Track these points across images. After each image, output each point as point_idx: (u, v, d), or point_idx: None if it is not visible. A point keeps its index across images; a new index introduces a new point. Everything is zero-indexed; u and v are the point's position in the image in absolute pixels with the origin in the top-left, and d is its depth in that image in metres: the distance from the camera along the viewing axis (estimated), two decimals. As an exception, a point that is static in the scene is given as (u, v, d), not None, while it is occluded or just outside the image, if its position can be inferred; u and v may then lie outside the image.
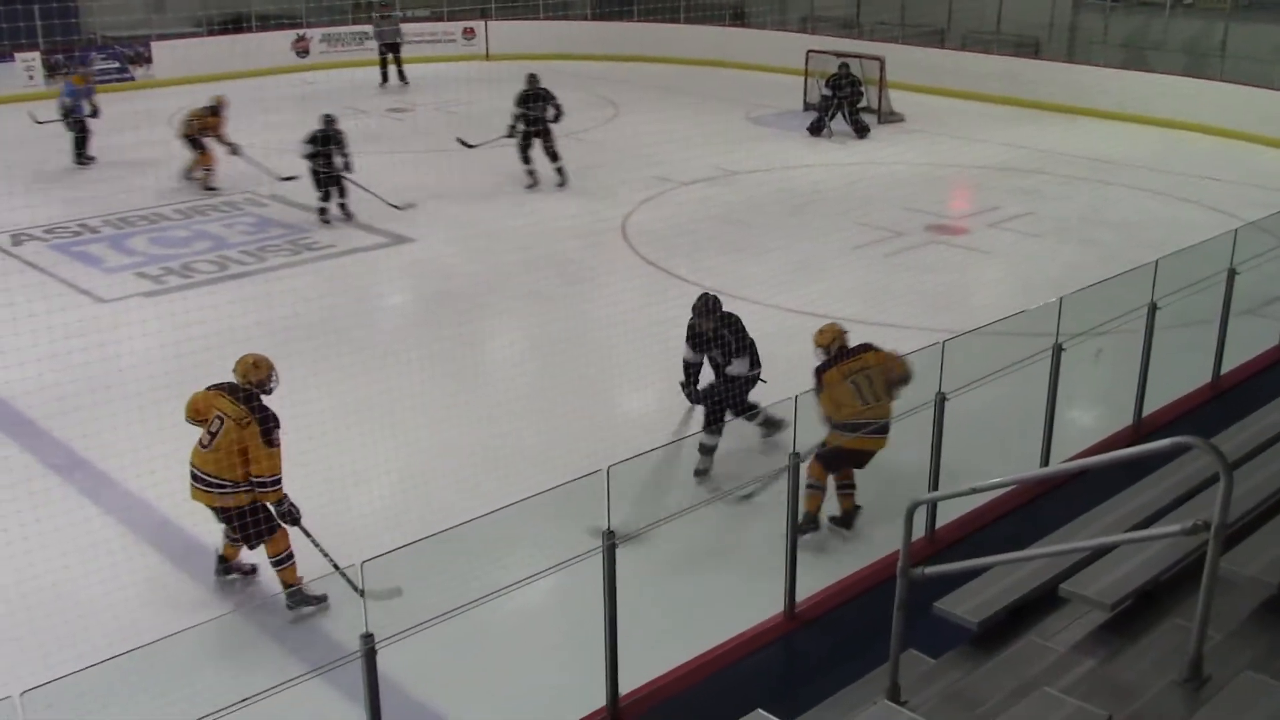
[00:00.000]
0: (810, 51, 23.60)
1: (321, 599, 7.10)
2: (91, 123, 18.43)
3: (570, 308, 12.48)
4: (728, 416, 8.52)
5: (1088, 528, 6.18)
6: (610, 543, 5.71)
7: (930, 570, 5.18)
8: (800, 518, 7.68)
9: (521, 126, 16.78)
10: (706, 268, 13.45)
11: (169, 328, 10.71)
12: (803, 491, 7.42)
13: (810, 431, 7.22)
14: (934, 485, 7.75)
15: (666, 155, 17.69)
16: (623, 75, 26.76)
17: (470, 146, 17.35)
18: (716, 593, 7.48)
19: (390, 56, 25.98)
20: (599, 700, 6.09)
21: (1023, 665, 5.17)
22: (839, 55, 21.86)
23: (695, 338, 8.53)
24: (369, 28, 27.99)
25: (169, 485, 7.55)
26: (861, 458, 7.88)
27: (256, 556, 7.41)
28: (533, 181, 17.02)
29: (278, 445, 7.02)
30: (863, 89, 21.18)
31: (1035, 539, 6.14)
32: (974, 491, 7.14)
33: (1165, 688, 4.53)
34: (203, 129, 17.15)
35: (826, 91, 21.03)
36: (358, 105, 22.20)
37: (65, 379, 9.62)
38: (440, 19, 29.22)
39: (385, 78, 26.04)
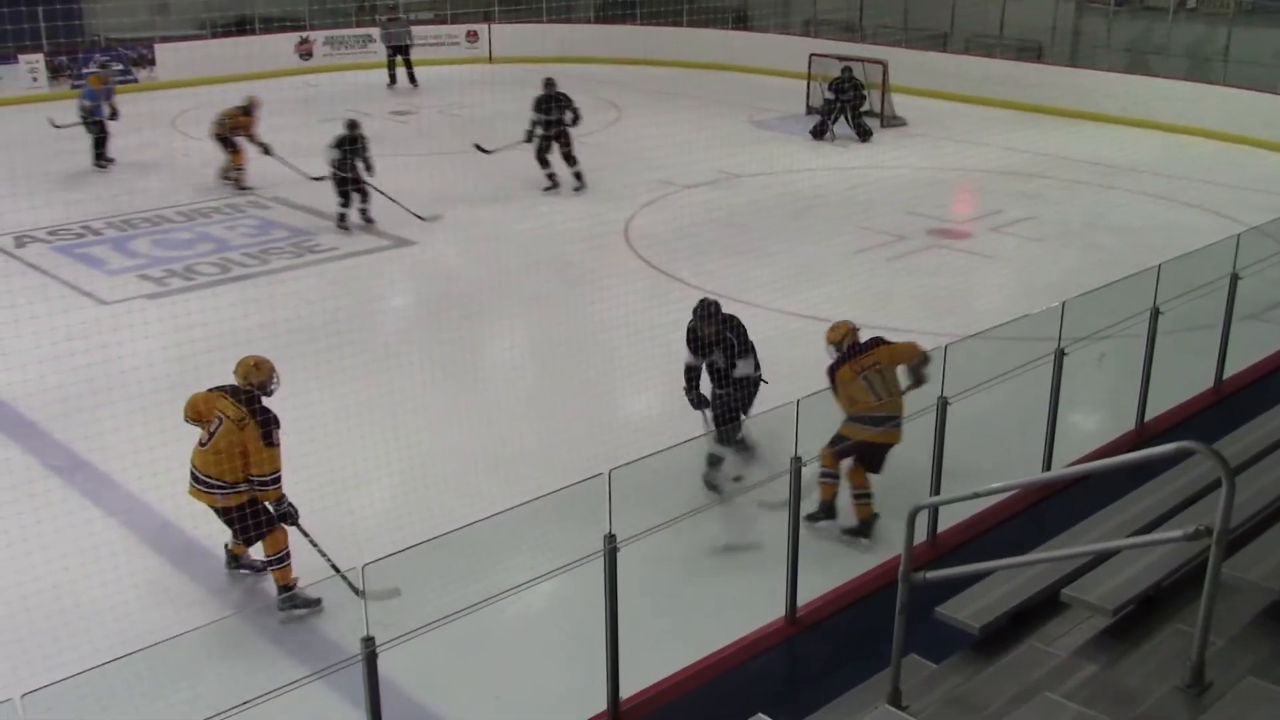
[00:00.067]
0: (813, 55, 23.60)
1: (315, 603, 7.09)
2: (109, 125, 18.37)
3: (572, 311, 12.48)
4: (741, 418, 8.51)
5: (1090, 532, 6.18)
6: (611, 546, 5.71)
7: (932, 575, 5.18)
8: (816, 506, 7.84)
9: (540, 131, 16.78)
10: (708, 271, 13.45)
11: (171, 330, 10.71)
12: (816, 481, 7.68)
13: (811, 434, 7.20)
14: (936, 489, 7.74)
15: (669, 158, 17.68)
16: (625, 78, 26.77)
17: (487, 152, 17.31)
18: (718, 596, 7.47)
19: (399, 59, 26.03)
20: (600, 704, 6.09)
21: (1024, 670, 5.16)
22: (842, 59, 21.86)
23: (696, 342, 8.52)
24: (374, 30, 28.07)
25: (170, 487, 7.55)
26: (877, 452, 7.89)
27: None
28: (551, 184, 17.03)
29: (277, 445, 7.04)
30: (865, 93, 21.17)
31: (1037, 544, 6.14)
32: (976, 496, 7.16)
33: (1167, 693, 4.52)
34: (234, 128, 17.22)
35: (829, 95, 21.04)
36: (360, 108, 22.16)
37: (67, 381, 9.62)
38: (443, 22, 29.25)
39: (393, 80, 26.10)
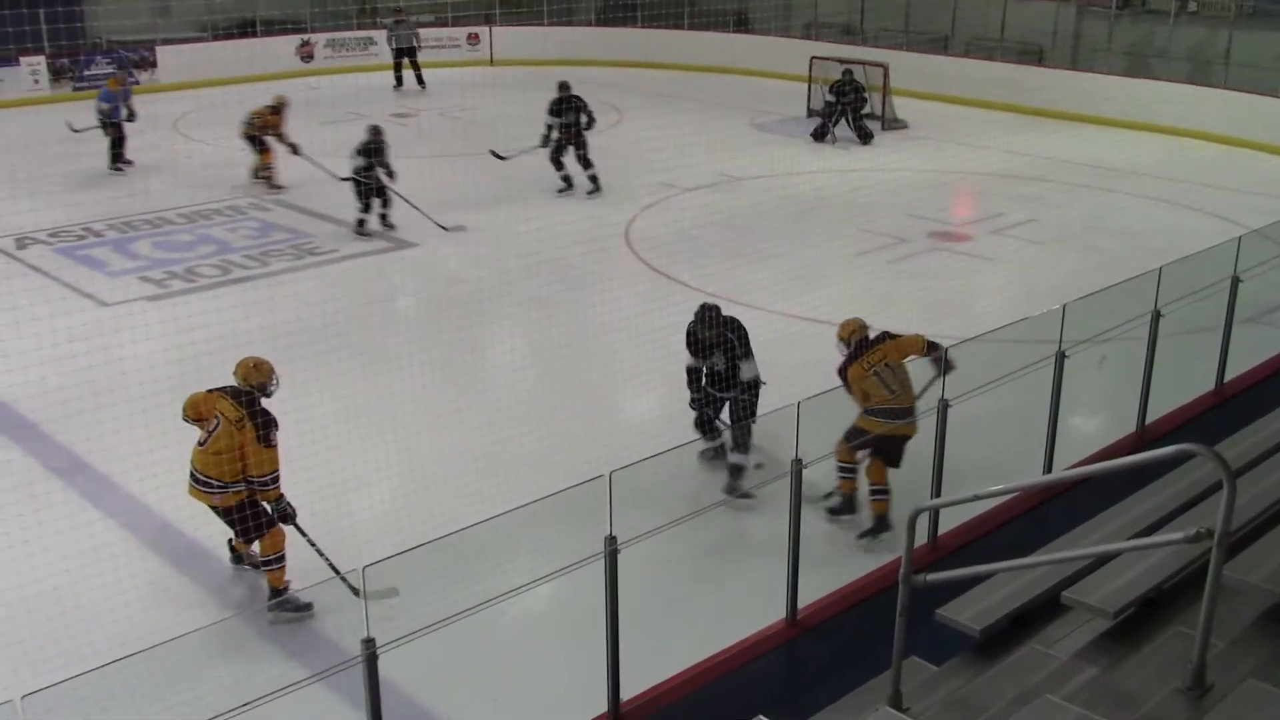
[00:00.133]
0: (814, 58, 23.60)
1: (306, 607, 7.08)
2: (126, 127, 18.31)
3: (573, 313, 12.48)
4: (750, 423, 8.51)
5: (1090, 535, 6.17)
6: (612, 548, 5.71)
7: (932, 577, 5.18)
8: (839, 501, 7.98)
9: (556, 134, 16.80)
10: (709, 274, 13.45)
11: (172, 332, 10.72)
12: (835, 477, 7.90)
13: (813, 437, 7.20)
14: (937, 492, 7.74)
15: (670, 161, 17.68)
16: (626, 81, 26.78)
17: (503, 158, 17.31)
18: (718, 598, 7.47)
19: (406, 61, 26.09)
20: (600, 706, 6.09)
21: (1025, 673, 5.16)
22: (843, 62, 21.86)
23: (696, 344, 8.50)
24: (374, 33, 28.10)
25: (171, 489, 7.55)
26: (894, 445, 7.92)
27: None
28: (566, 186, 17.06)
29: (275, 446, 7.05)
30: (866, 95, 21.17)
31: (1038, 546, 6.13)
32: (977, 498, 7.16)
33: (1168, 696, 4.52)
34: (264, 127, 17.26)
35: (830, 97, 21.03)
36: (361, 110, 22.16)
37: (68, 383, 9.62)
38: (444, 24, 29.27)
39: (400, 82, 26.15)
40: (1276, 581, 5.11)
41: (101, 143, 18.27)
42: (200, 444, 7.12)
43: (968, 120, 23.09)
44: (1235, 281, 9.57)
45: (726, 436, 8.54)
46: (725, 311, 8.54)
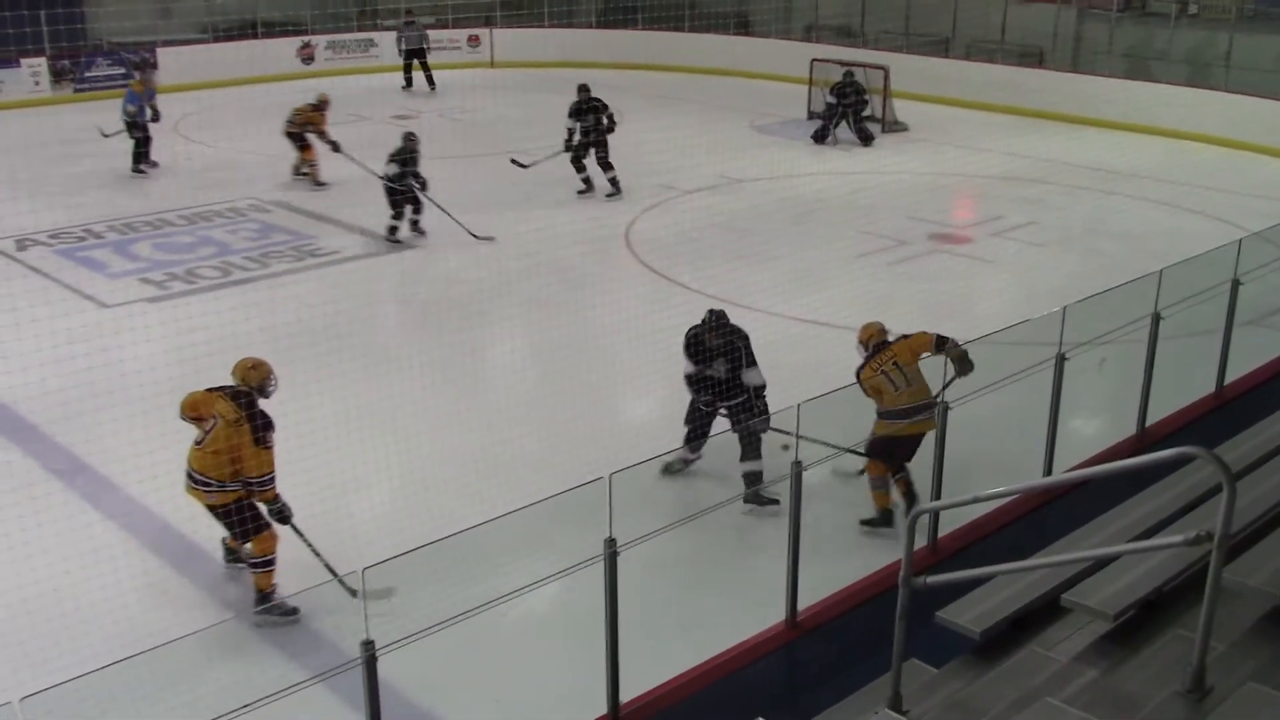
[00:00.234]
0: (814, 60, 23.62)
1: (293, 612, 7.08)
2: (150, 128, 18.25)
3: (573, 315, 12.48)
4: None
5: (1090, 537, 6.16)
6: (611, 550, 5.71)
7: (932, 579, 5.17)
8: (876, 514, 8.02)
9: (578, 138, 16.84)
10: (709, 276, 13.45)
11: (172, 333, 10.72)
12: (869, 492, 8.03)
13: (809, 442, 7.20)
14: (936, 494, 7.74)
15: (670, 163, 17.70)
16: (627, 83, 26.77)
17: (524, 166, 17.34)
18: (718, 600, 7.47)
19: (416, 62, 26.16)
20: (600, 707, 6.09)
21: (1025, 675, 5.15)
22: (843, 64, 21.87)
23: (699, 350, 8.44)
24: (374, 35, 28.14)
25: (171, 490, 7.54)
26: (912, 443, 7.98)
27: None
28: (586, 189, 17.08)
29: (270, 447, 7.06)
30: (867, 97, 21.18)
31: (1038, 548, 6.13)
32: (977, 500, 7.16)
33: (1168, 699, 4.51)
34: (305, 124, 17.31)
35: (831, 99, 21.03)
36: (361, 112, 22.22)
37: (68, 384, 9.62)
38: (445, 26, 29.29)
39: (409, 83, 26.21)
40: (1277, 584, 5.10)
41: (104, 144, 18.27)
42: (197, 443, 7.12)
43: (968, 122, 23.10)
44: (1236, 284, 9.57)
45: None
46: (726, 315, 8.52)
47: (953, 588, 5.48)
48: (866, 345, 8.17)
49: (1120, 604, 5.21)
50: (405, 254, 14.57)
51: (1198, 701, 4.45)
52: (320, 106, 17.43)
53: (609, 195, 16.98)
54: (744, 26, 30.48)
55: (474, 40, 29.39)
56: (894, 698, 5.15)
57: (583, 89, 17.03)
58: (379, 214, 15.44)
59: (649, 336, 10.51)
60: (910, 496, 8.04)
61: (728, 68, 28.09)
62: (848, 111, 20.80)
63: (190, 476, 7.12)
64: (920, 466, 8.23)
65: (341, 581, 6.87)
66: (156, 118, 18.20)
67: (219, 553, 7.72)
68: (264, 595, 7.18)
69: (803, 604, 6.99)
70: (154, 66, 18.52)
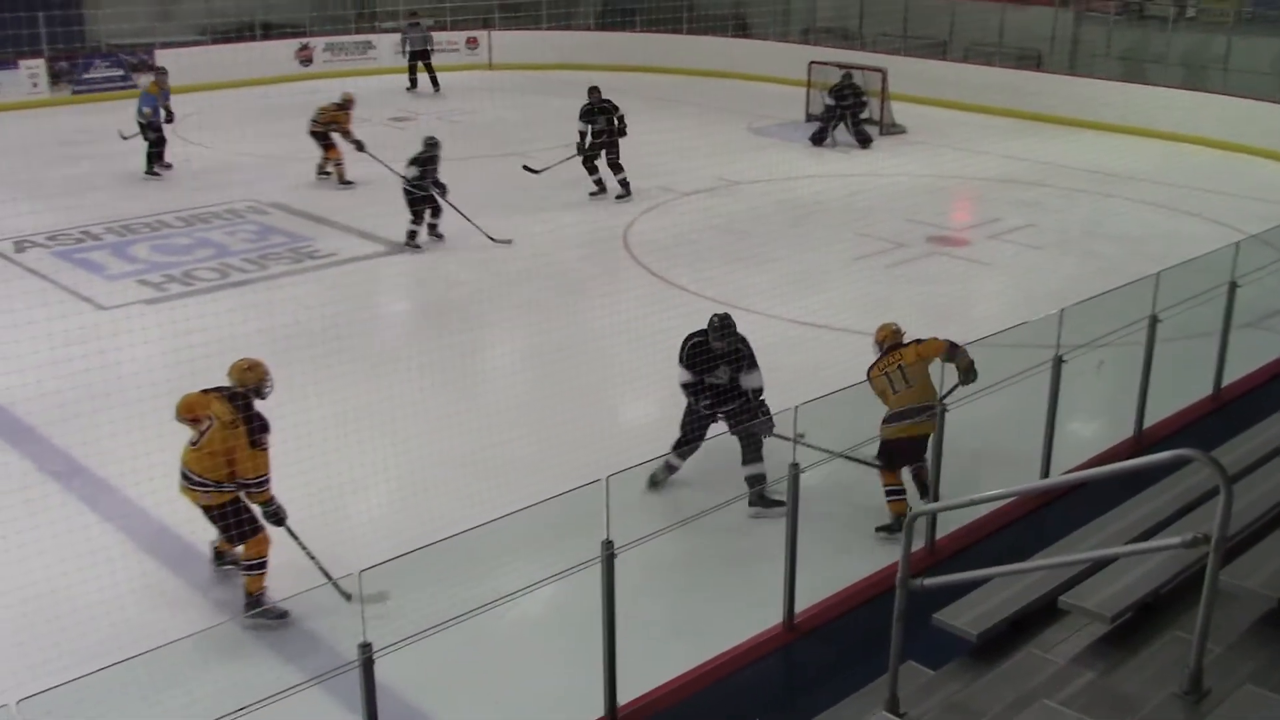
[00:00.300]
0: (812, 63, 23.64)
1: (283, 615, 7.06)
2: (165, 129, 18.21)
3: (570, 317, 12.48)
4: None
5: (1088, 540, 6.17)
6: (608, 553, 5.70)
7: (930, 581, 5.17)
8: (891, 520, 8.01)
9: (590, 140, 16.87)
10: (708, 278, 13.45)
11: (170, 335, 10.72)
12: (885, 500, 8.07)
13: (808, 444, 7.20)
14: (935, 496, 7.74)
15: (668, 165, 17.71)
16: (625, 85, 26.67)
17: (536, 172, 17.39)
18: (715, 602, 7.47)
19: (420, 64, 26.19)
20: (597, 710, 6.08)
21: (1022, 677, 5.15)
22: (841, 66, 21.88)
23: (702, 357, 8.34)
24: (372, 37, 28.17)
25: (168, 492, 7.53)
26: (915, 445, 8.02)
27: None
28: (598, 190, 17.11)
29: (265, 449, 7.06)
30: (866, 99, 21.19)
31: (1035, 550, 6.13)
32: (974, 502, 7.17)
33: (1165, 700, 4.52)
34: (330, 123, 17.36)
35: (830, 101, 21.02)
36: (359, 114, 22.16)
37: (65, 386, 9.61)
38: (443, 28, 29.30)
39: (414, 84, 26.25)
40: (1273, 586, 5.11)
41: (101, 145, 18.25)
42: (192, 444, 7.12)
43: (966, 125, 23.12)
44: (1233, 286, 9.58)
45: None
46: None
47: (950, 589, 5.48)
48: (881, 346, 8.28)
49: (1118, 606, 5.22)
50: (403, 257, 14.57)
51: (1195, 703, 4.45)
52: (345, 105, 17.55)
53: (619, 197, 17.00)
54: (742, 29, 30.50)
55: (472, 42, 29.40)
56: (891, 700, 5.16)
57: (593, 91, 17.07)
58: (376, 216, 15.47)
59: (647, 338, 10.51)
60: (925, 489, 8.11)
61: (726, 70, 28.11)
62: (846, 114, 20.80)
63: (185, 477, 7.12)
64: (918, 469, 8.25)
65: (336, 585, 6.87)
66: (170, 119, 18.15)
67: (212, 549, 7.71)
68: (254, 598, 7.17)
69: (800, 606, 6.99)
70: (157, 70, 18.39)
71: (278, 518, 7.16)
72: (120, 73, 24.92)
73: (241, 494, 7.10)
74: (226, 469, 7.00)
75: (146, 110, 17.75)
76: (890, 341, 8.26)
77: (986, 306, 13.25)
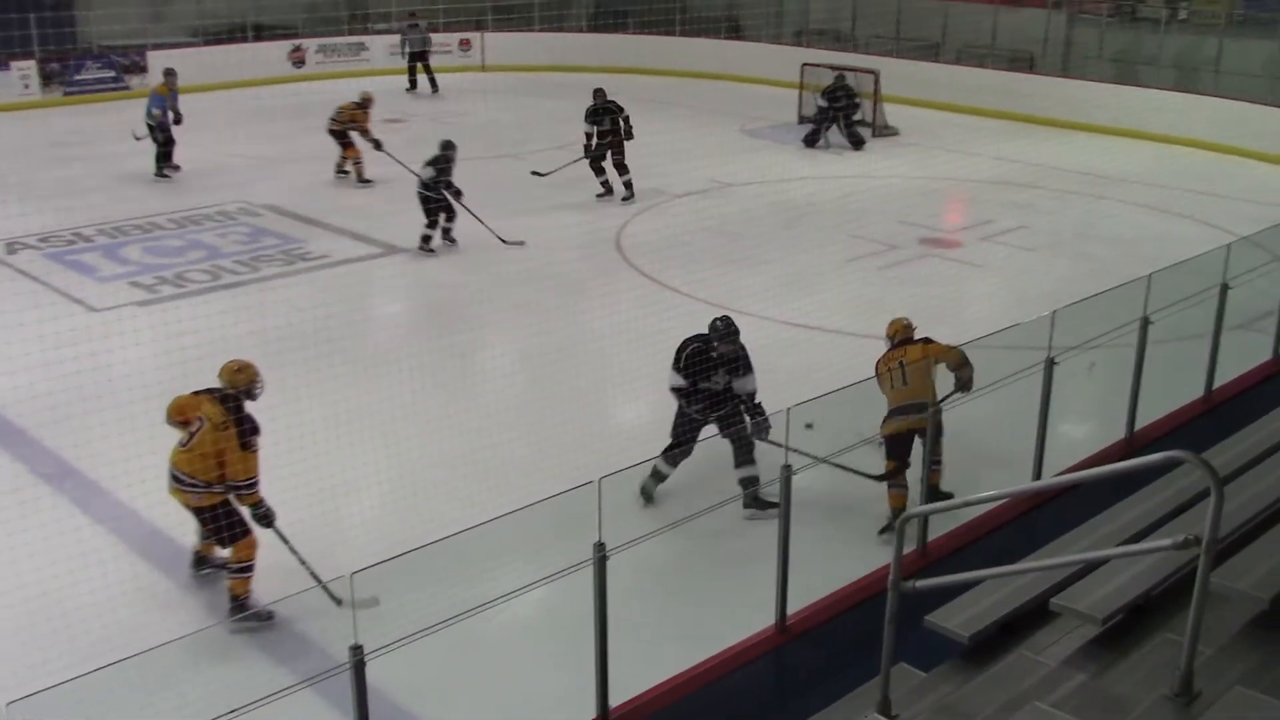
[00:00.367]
0: (805, 65, 23.65)
1: (268, 617, 7.05)
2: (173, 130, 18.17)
3: (563, 319, 12.48)
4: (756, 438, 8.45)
5: (1079, 541, 6.18)
6: (601, 554, 5.70)
7: (921, 584, 5.17)
8: (890, 517, 8.09)
9: (596, 140, 16.92)
10: (700, 280, 13.46)
11: (162, 337, 10.70)
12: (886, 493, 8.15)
13: (802, 446, 7.20)
14: (926, 498, 7.75)
15: (661, 167, 17.71)
16: (618, 87, 26.49)
17: (543, 175, 17.45)
18: (707, 604, 7.47)
19: (419, 65, 26.21)
20: (589, 712, 6.08)
21: (1013, 679, 5.16)
22: (834, 68, 21.91)
23: (702, 362, 8.28)
24: (365, 38, 28.17)
25: (159, 494, 7.52)
26: (906, 440, 8.09)
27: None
28: (605, 191, 17.14)
29: (255, 451, 7.05)
30: (858, 101, 21.21)
31: (1027, 552, 6.14)
32: (966, 504, 7.19)
33: (1156, 702, 4.52)
34: (349, 122, 17.39)
35: (823, 102, 21.05)
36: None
37: (57, 388, 9.59)
38: (436, 30, 29.27)
39: (413, 85, 26.27)
40: (1264, 588, 5.11)
41: (93, 147, 18.20)
42: (182, 445, 7.11)
43: (959, 127, 23.14)
44: (1224, 288, 9.59)
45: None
46: (715, 319, 8.49)
47: (942, 592, 5.49)
48: (891, 340, 8.46)
49: (1109, 608, 5.23)
50: (395, 258, 14.56)
51: (1186, 705, 4.46)
52: (364, 104, 17.60)
53: (624, 199, 17.04)
54: (735, 31, 30.53)
55: (465, 44, 29.40)
56: (883, 702, 5.16)
57: (598, 92, 17.14)
58: (369, 218, 15.46)
59: (640, 340, 10.51)
60: (935, 491, 8.16)
61: (718, 72, 28.13)
62: (839, 115, 20.83)
63: (175, 478, 7.10)
64: (910, 470, 8.26)
65: (326, 588, 6.85)
66: (179, 120, 18.11)
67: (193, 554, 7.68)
68: (240, 601, 7.15)
69: (792, 608, 6.99)
70: (166, 71, 18.28)
71: (267, 520, 7.15)
72: (112, 74, 24.90)
73: (231, 496, 7.09)
74: (217, 470, 6.99)
75: (156, 112, 17.71)
76: (901, 336, 8.43)
77: (978, 308, 13.27)
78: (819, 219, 16.48)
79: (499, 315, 12.85)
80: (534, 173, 17.57)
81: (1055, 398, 8.31)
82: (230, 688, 5.40)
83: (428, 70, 26.39)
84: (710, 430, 8.45)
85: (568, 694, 6.26)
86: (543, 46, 29.01)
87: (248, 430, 7.04)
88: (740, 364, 8.32)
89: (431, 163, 14.43)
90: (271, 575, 7.24)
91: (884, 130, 22.21)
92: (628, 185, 17.07)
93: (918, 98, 24.23)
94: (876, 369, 8.35)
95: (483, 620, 5.53)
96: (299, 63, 27.47)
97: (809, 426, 7.78)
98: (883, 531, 8.09)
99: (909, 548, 7.49)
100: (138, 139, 17.87)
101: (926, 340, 8.34)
